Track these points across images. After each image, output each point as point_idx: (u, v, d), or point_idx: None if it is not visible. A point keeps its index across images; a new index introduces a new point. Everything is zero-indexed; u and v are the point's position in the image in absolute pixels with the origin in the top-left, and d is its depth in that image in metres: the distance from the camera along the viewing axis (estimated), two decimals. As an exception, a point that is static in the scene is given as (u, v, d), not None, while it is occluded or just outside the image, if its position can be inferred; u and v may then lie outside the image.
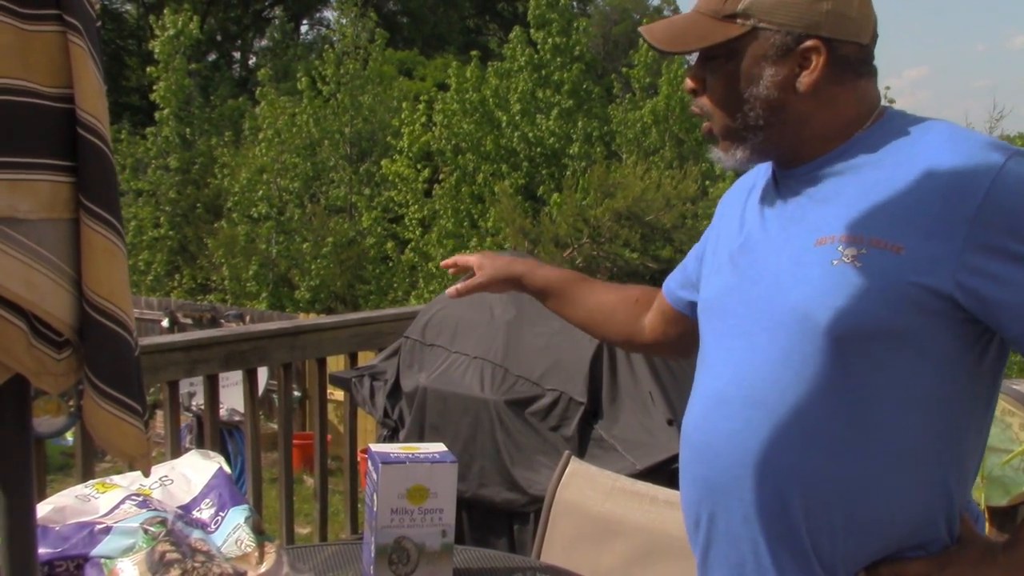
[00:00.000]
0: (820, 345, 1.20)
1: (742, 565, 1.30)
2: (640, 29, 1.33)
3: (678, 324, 1.65)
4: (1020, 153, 1.18)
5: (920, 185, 1.18)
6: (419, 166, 14.08)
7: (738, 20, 1.25)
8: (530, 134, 13.94)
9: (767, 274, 1.29)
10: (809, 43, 1.24)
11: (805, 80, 1.25)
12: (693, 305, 1.53)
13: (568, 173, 13.03)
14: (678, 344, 1.69)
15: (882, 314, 1.17)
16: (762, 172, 1.45)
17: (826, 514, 1.22)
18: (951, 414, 1.23)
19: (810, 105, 1.27)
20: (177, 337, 3.13)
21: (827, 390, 1.21)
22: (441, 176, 13.99)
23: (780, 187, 1.35)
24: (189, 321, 9.22)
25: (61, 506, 1.49)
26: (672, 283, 1.66)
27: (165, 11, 15.77)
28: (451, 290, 1.80)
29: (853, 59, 1.27)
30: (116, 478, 1.65)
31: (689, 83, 1.34)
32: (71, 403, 3.60)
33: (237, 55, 30.50)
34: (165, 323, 9.13)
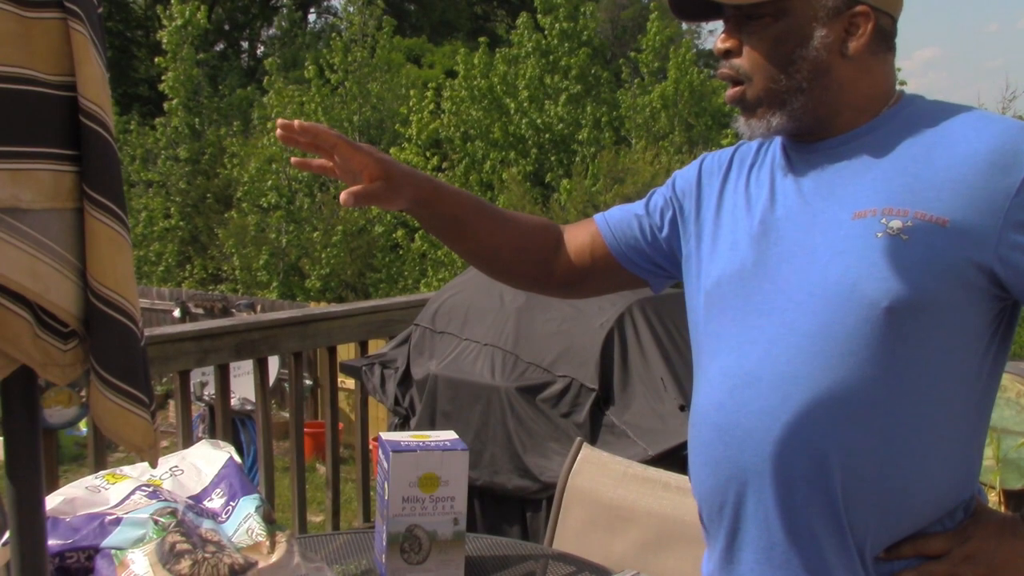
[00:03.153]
0: (867, 316, 1.19)
1: (772, 547, 1.28)
2: None
3: (604, 269, 1.57)
4: None
5: (960, 161, 1.19)
6: (428, 153, 14.08)
7: None
8: (538, 120, 13.91)
9: (799, 249, 1.27)
10: (860, 8, 1.24)
11: (854, 45, 1.25)
12: (635, 256, 1.52)
13: (577, 159, 13.02)
14: (586, 286, 1.62)
15: (931, 287, 1.17)
16: (746, 151, 1.43)
17: (863, 487, 1.21)
18: (979, 390, 1.25)
19: (852, 71, 1.26)
20: (188, 327, 3.14)
21: (870, 363, 1.19)
22: (445, 165, 13.97)
23: (797, 163, 1.33)
24: (201, 311, 9.24)
25: (71, 497, 1.49)
26: (619, 228, 1.56)
27: (173, 1, 15.75)
28: (345, 195, 1.39)
29: (888, 32, 1.28)
30: (126, 469, 1.65)
31: (724, 43, 1.30)
32: (82, 393, 3.61)
33: (245, 44, 30.49)
34: (177, 313, 9.16)
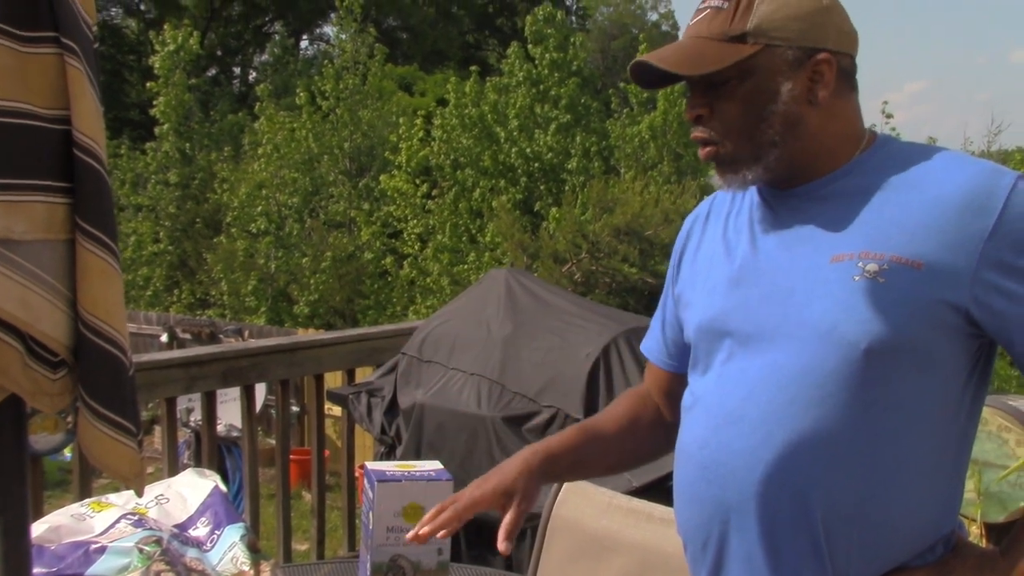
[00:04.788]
0: (846, 358, 1.21)
1: None
2: (644, 57, 1.30)
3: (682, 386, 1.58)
4: None
5: (935, 204, 1.21)
6: (418, 181, 14.10)
7: (748, 40, 1.26)
8: (528, 149, 13.97)
9: (776, 292, 1.29)
10: (821, 56, 1.26)
11: (821, 93, 1.27)
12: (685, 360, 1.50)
13: (566, 188, 13.06)
14: None
15: (907, 328, 1.20)
16: (722, 200, 1.47)
17: (844, 525, 1.23)
18: (957, 427, 1.27)
19: (823, 118, 1.29)
20: (175, 353, 3.14)
21: (850, 404, 1.22)
22: (435, 193, 14.00)
23: (776, 208, 1.35)
24: (188, 336, 9.21)
25: (56, 525, 1.49)
26: (659, 354, 1.60)
27: (165, 26, 15.82)
28: (502, 545, 1.44)
29: (850, 71, 1.31)
30: (112, 497, 1.65)
31: (694, 110, 1.32)
32: (69, 420, 3.60)
33: (237, 70, 30.61)
34: (164, 338, 9.13)
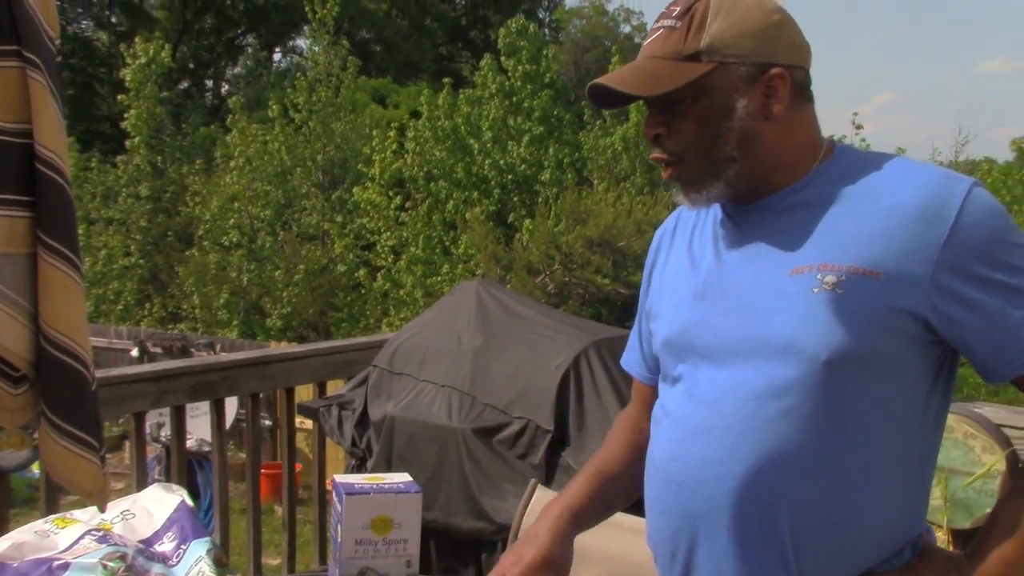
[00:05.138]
0: (807, 370, 1.23)
1: None
2: (601, 79, 1.32)
3: None
4: (979, 183, 1.25)
5: (891, 214, 1.23)
6: (391, 193, 14.08)
7: (702, 58, 1.27)
8: (501, 161, 13.99)
9: (739, 305, 1.31)
10: (774, 71, 1.28)
11: (776, 108, 1.28)
12: None
13: (540, 200, 13.08)
14: None
15: (867, 338, 1.21)
16: (688, 214, 1.49)
17: (811, 534, 1.25)
18: (921, 434, 1.29)
19: (779, 132, 1.30)
20: (144, 368, 3.12)
21: (813, 415, 1.23)
22: (408, 205, 13.99)
23: (738, 221, 1.37)
24: (159, 350, 9.13)
25: (20, 542, 1.48)
26: (640, 368, 1.62)
27: (136, 39, 15.70)
28: None
29: (803, 84, 1.32)
30: (77, 513, 1.64)
31: (652, 130, 1.33)
32: (35, 436, 3.56)
33: (209, 83, 30.47)
34: (135, 352, 9.05)
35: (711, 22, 1.27)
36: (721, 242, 1.38)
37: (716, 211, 1.42)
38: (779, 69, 1.28)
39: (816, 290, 1.23)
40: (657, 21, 1.33)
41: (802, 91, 1.32)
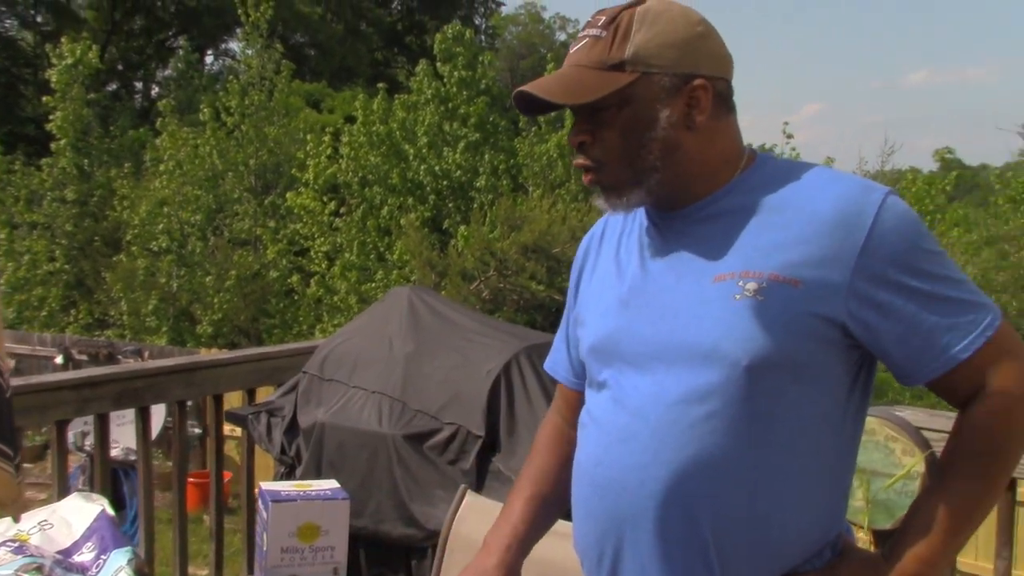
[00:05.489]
0: (729, 376, 1.25)
1: None
2: (526, 87, 1.33)
3: None
4: (893, 191, 1.28)
5: (810, 222, 1.26)
6: (325, 199, 13.97)
7: (626, 68, 1.29)
8: (437, 167, 13.97)
9: (663, 312, 1.33)
10: (697, 82, 1.30)
11: (698, 118, 1.31)
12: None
13: (475, 206, 13.09)
14: None
15: (787, 344, 1.24)
16: (615, 221, 1.50)
17: (733, 537, 1.27)
18: (839, 436, 1.32)
19: (701, 142, 1.32)
20: (67, 375, 3.05)
21: (735, 420, 1.26)
22: (343, 210, 13.89)
23: (663, 229, 1.39)
24: (85, 358, 8.94)
25: (-70, 554, 1.43)
26: (567, 373, 1.64)
27: (63, 39, 15.36)
28: None
29: (725, 95, 1.35)
30: (-8, 523, 1.60)
31: (577, 137, 1.35)
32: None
33: (139, 85, 29.92)
34: (59, 360, 8.84)
35: (635, 32, 1.29)
36: (646, 250, 1.40)
37: (642, 218, 1.44)
38: (701, 80, 1.30)
39: (738, 297, 1.26)
40: (583, 30, 1.35)
41: (724, 101, 1.35)
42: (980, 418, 1.27)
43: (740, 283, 1.26)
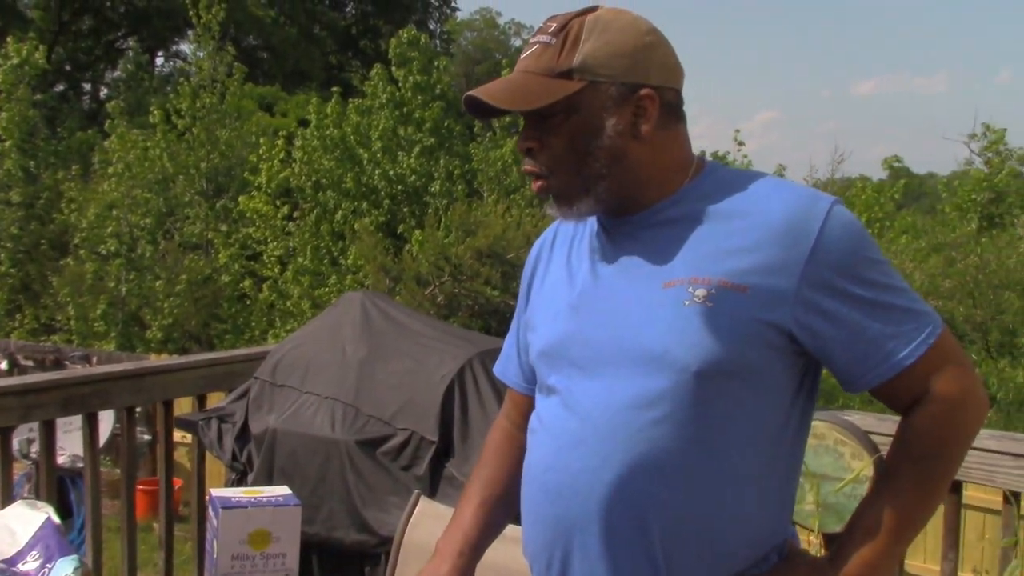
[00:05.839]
0: (678, 381, 1.26)
1: None
2: (473, 92, 1.33)
3: None
4: (839, 201, 1.30)
5: (758, 229, 1.27)
6: (278, 202, 13.86)
7: (574, 76, 1.30)
8: (391, 171, 13.93)
9: (613, 317, 1.33)
10: (644, 91, 1.31)
11: (644, 127, 1.31)
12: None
13: (430, 211, 13.07)
14: None
15: (734, 350, 1.25)
16: (567, 226, 1.51)
17: (681, 540, 1.28)
18: (786, 441, 1.34)
19: (648, 151, 1.33)
20: (10, 381, 2.98)
21: (683, 424, 1.27)
22: (296, 215, 13.80)
23: (613, 235, 1.40)
24: (31, 363, 8.76)
25: None
26: (517, 378, 1.65)
27: (8, 39, 15.09)
28: None
29: (674, 104, 1.36)
30: (-68, 533, 1.56)
31: (525, 143, 1.36)
32: None
33: (87, 86, 29.47)
34: (3, 365, 8.66)
35: (584, 41, 1.30)
36: (597, 255, 1.41)
37: (593, 224, 1.45)
38: (648, 90, 1.31)
39: (687, 303, 1.27)
40: (534, 36, 1.36)
41: (673, 111, 1.36)
42: (923, 422, 1.29)
43: (689, 289, 1.27)
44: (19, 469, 5.76)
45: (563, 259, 1.48)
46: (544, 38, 1.33)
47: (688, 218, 1.33)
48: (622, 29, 1.32)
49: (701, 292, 1.27)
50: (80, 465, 5.70)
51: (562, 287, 1.44)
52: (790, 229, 1.26)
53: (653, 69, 1.32)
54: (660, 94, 1.32)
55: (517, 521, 1.57)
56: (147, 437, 6.89)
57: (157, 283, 12.93)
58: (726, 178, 1.37)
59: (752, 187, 1.33)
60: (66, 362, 8.56)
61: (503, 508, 1.61)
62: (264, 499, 1.65)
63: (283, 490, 1.72)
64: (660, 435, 1.27)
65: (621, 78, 1.30)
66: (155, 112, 14.32)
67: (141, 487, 6.16)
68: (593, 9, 1.35)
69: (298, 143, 14.26)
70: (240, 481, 3.02)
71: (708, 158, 1.44)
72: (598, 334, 1.35)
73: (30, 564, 1.53)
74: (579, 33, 1.31)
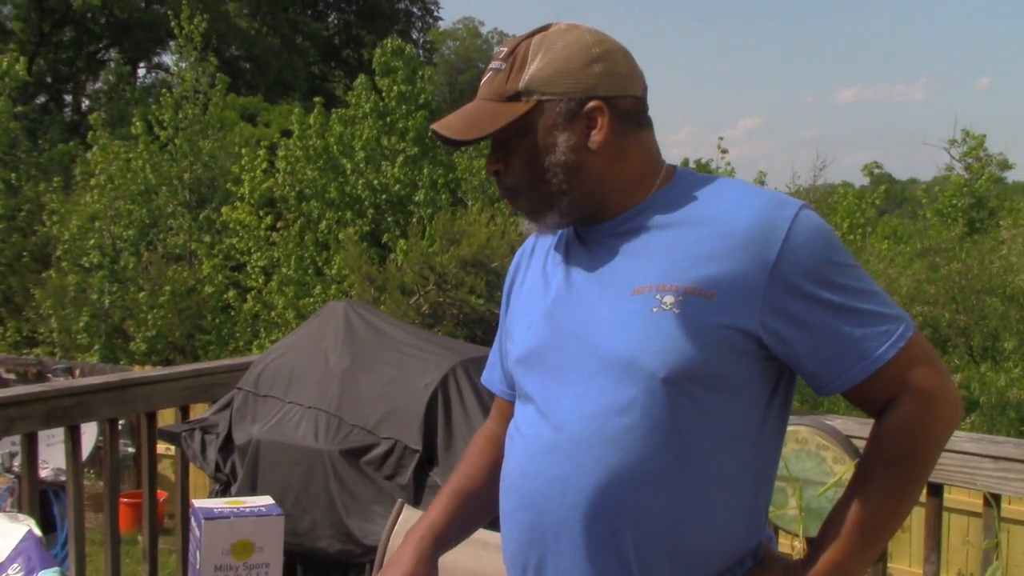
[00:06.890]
0: (648, 387, 1.27)
1: None
2: (434, 126, 1.37)
3: None
4: (807, 205, 1.31)
5: (726, 236, 1.28)
6: (261, 213, 13.84)
7: (522, 98, 1.33)
8: (375, 181, 13.94)
9: (585, 324, 1.34)
10: (591, 104, 1.33)
11: (596, 139, 1.33)
12: None
13: (414, 220, 13.08)
14: None
15: (703, 356, 1.26)
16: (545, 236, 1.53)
17: (654, 546, 1.29)
18: (759, 446, 1.34)
19: (605, 161, 1.35)
20: (-8, 394, 2.96)
21: (653, 430, 1.27)
22: (279, 225, 13.78)
23: (586, 243, 1.41)
24: (13, 376, 8.70)
25: None
26: (502, 385, 1.66)
27: (-12, 51, 15.05)
28: None
29: (632, 112, 1.37)
30: (-88, 547, 1.56)
31: (492, 166, 1.39)
32: None
33: (69, 98, 29.34)
34: (-15, 379, 8.59)
35: (530, 62, 1.33)
36: (571, 263, 1.42)
37: (569, 232, 1.46)
38: (597, 102, 1.33)
39: (656, 309, 1.28)
40: (490, 63, 1.39)
41: (631, 118, 1.37)
42: (896, 424, 1.30)
43: (658, 296, 1.28)
44: (1, 483, 5.73)
45: (540, 267, 1.49)
46: (496, 64, 1.37)
47: (657, 225, 1.35)
48: (566, 46, 1.34)
49: (669, 299, 1.28)
50: (63, 478, 5.67)
51: (538, 294, 1.46)
52: (756, 235, 1.27)
53: (601, 81, 1.34)
54: (612, 104, 1.34)
55: (497, 526, 1.57)
56: (131, 449, 6.85)
57: (140, 295, 12.89)
58: (695, 185, 1.38)
59: (720, 194, 1.35)
60: (49, 375, 8.51)
61: (477, 503, 1.61)
62: (247, 509, 1.65)
63: (266, 500, 1.72)
64: (632, 442, 1.28)
65: (568, 94, 1.33)
66: (137, 123, 14.30)
67: (125, 500, 6.13)
68: (546, 28, 1.38)
69: (281, 153, 14.27)
70: (224, 492, 3.01)
71: (682, 166, 1.45)
72: (571, 341, 1.36)
73: (11, 577, 1.52)
74: (526, 55, 1.34)
